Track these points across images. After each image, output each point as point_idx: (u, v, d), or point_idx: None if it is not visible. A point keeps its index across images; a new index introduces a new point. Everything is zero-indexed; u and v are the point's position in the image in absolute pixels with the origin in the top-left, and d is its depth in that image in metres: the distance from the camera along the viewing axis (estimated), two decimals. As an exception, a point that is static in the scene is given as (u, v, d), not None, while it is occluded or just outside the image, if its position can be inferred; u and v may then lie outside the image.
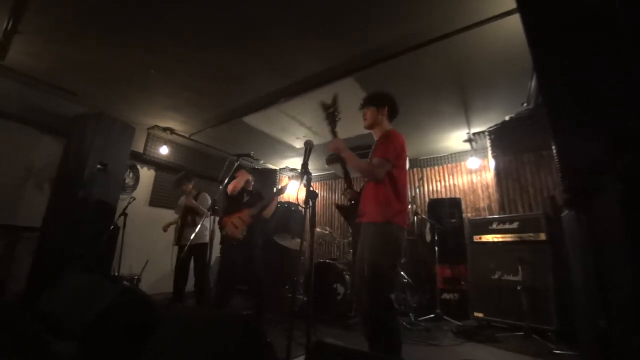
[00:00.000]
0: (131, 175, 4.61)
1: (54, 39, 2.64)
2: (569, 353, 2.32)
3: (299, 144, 4.89)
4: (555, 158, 0.72)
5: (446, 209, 4.26)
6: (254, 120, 4.06)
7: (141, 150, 4.60)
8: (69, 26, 2.48)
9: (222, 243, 3.00)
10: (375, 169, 1.78)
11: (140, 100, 3.72)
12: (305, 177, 1.53)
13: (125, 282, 3.14)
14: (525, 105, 3.33)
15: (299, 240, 4.08)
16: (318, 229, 4.77)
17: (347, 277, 3.46)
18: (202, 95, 3.52)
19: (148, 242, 4.69)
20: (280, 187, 3.11)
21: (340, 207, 2.16)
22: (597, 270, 0.73)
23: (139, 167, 4.73)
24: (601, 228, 0.69)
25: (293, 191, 6.00)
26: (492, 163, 4.07)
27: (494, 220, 3.46)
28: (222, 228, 2.96)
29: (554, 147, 0.72)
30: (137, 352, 1.52)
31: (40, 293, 2.33)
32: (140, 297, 1.76)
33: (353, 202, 1.98)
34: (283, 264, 4.77)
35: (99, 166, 3.34)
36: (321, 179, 6.70)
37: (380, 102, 2.02)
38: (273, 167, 6.33)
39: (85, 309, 1.90)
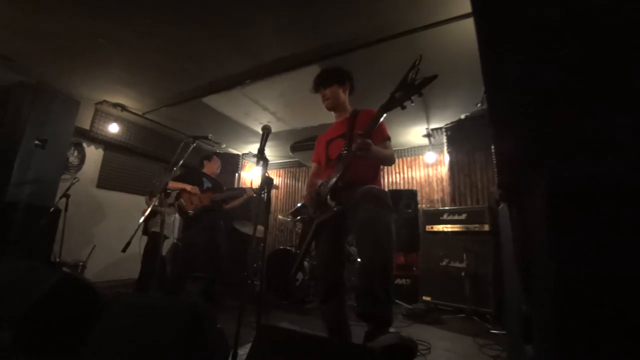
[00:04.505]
0: (75, 153, 4.22)
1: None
2: (502, 332, 2.57)
3: (263, 129, 4.80)
4: (493, 155, 0.78)
5: (403, 200, 4.44)
6: (214, 101, 3.89)
7: (87, 127, 4.22)
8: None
9: (184, 227, 3.03)
10: (393, 154, 1.77)
11: (88, 72, 3.38)
12: (262, 163, 1.50)
13: (64, 269, 2.93)
14: (479, 105, 3.53)
15: (259, 227, 4.08)
16: (280, 217, 4.76)
17: (306, 263, 3.51)
18: (159, 71, 3.28)
19: (95, 226, 4.38)
20: (255, 188, 3.30)
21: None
22: (521, 259, 0.81)
23: (84, 145, 4.34)
24: (527, 221, 0.76)
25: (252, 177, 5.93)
26: (446, 158, 4.29)
27: (445, 211, 3.68)
28: (179, 197, 3.04)
29: (492, 145, 0.78)
30: (77, 341, 1.43)
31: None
32: (80, 284, 1.64)
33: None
34: (244, 250, 4.73)
35: (36, 142, 3.02)
36: (284, 165, 6.65)
37: (342, 79, 1.86)
38: (235, 152, 6.15)
39: (18, 297, 1.75)
